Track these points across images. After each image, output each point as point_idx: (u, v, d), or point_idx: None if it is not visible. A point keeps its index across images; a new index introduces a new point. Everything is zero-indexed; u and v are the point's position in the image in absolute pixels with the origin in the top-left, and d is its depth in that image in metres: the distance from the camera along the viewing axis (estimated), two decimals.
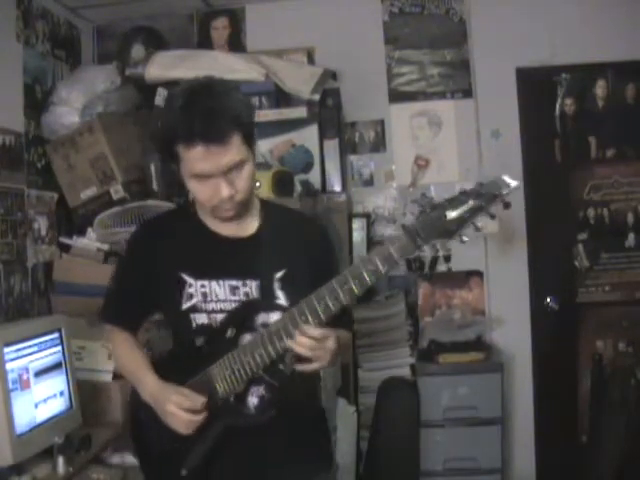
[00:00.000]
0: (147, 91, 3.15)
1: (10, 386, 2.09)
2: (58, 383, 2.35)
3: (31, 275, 2.93)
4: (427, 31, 3.56)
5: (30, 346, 2.23)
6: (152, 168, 3.08)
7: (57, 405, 2.32)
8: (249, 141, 1.58)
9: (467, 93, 3.54)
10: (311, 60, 3.51)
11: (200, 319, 1.67)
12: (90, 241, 3.04)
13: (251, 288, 1.66)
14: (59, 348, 2.38)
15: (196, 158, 1.53)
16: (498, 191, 1.38)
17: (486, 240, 3.42)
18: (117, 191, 3.02)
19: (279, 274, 1.66)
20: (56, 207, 3.11)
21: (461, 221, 1.40)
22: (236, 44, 3.61)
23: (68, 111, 3.03)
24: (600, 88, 3.47)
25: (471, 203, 1.39)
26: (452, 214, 1.40)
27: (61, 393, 2.36)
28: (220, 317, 1.66)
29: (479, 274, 3.48)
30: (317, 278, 1.56)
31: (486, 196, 1.39)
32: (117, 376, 2.74)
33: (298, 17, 3.55)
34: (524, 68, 3.47)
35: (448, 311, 3.49)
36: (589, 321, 3.49)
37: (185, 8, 3.62)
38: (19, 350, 2.17)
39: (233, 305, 1.65)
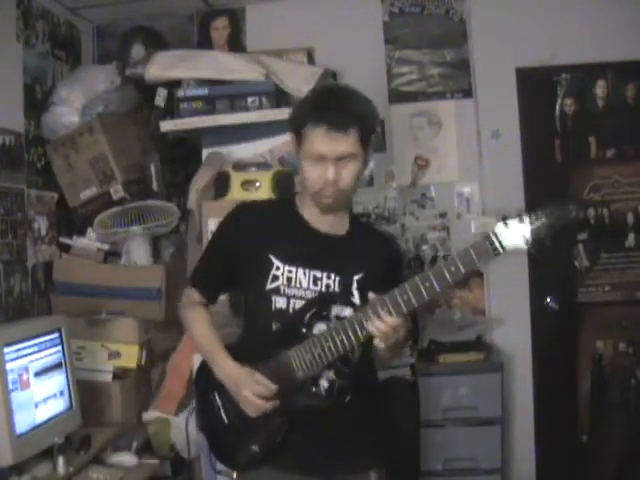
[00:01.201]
0: (147, 91, 3.15)
1: (10, 386, 2.09)
2: (58, 383, 2.35)
3: (31, 275, 2.93)
4: (427, 31, 3.56)
5: (30, 346, 2.23)
6: (152, 168, 3.08)
7: (57, 405, 2.33)
8: (365, 141, 1.74)
9: (467, 93, 3.54)
10: (311, 60, 3.51)
11: (279, 303, 1.78)
12: (90, 241, 3.05)
13: (334, 282, 1.78)
14: (59, 348, 2.38)
15: (317, 138, 1.71)
16: (567, 214, 1.55)
17: None
18: (117, 191, 3.02)
19: (358, 276, 1.79)
20: (56, 207, 3.11)
21: (534, 234, 1.55)
22: (236, 44, 3.62)
23: (68, 111, 3.03)
24: (600, 88, 3.47)
25: (544, 220, 1.55)
26: (527, 227, 1.55)
27: (61, 393, 2.36)
28: (298, 304, 1.77)
29: (479, 274, 3.48)
30: (387, 288, 1.69)
31: (556, 215, 1.56)
32: (117, 376, 2.75)
33: (298, 17, 3.55)
34: (524, 68, 3.47)
35: (448, 311, 3.49)
36: (589, 321, 3.49)
37: (185, 8, 3.63)
38: (19, 350, 2.17)
39: (313, 295, 1.77)
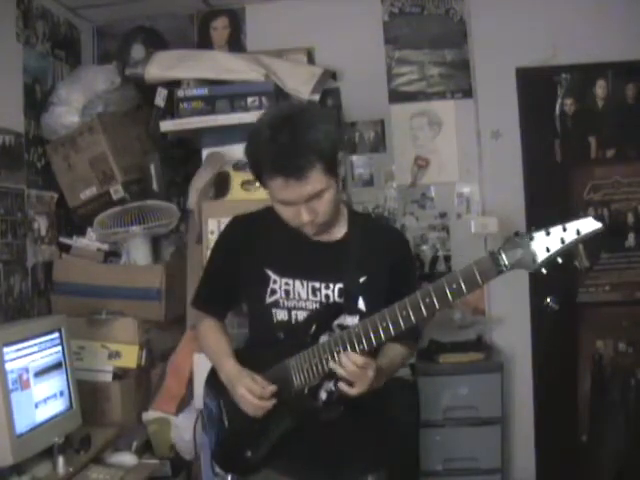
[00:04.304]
0: (147, 91, 3.15)
1: (10, 386, 2.10)
2: (58, 383, 2.35)
3: (31, 275, 2.93)
4: (427, 31, 3.56)
5: (30, 346, 2.23)
6: (152, 168, 3.08)
7: (57, 405, 2.33)
8: (331, 170, 1.64)
9: (467, 93, 3.54)
10: (311, 60, 3.51)
11: (280, 315, 1.76)
12: (90, 241, 3.05)
13: (333, 291, 1.74)
14: (59, 348, 2.38)
15: (278, 188, 1.63)
16: (583, 230, 1.45)
17: (486, 240, 3.41)
18: (117, 191, 3.02)
19: (361, 280, 1.74)
20: (56, 207, 3.11)
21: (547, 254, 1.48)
22: (236, 44, 3.62)
23: (68, 111, 3.03)
24: (600, 88, 3.47)
25: (556, 238, 1.46)
26: (535, 245, 1.47)
27: (61, 393, 2.36)
28: (300, 315, 1.75)
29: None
30: (393, 288, 1.68)
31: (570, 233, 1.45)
32: (117, 376, 2.75)
33: (298, 17, 3.55)
34: (524, 68, 3.47)
35: (448, 311, 3.49)
36: (589, 321, 3.49)
37: (185, 8, 3.63)
38: (19, 350, 2.17)
39: (313, 305, 1.74)
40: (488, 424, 3.20)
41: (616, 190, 3.46)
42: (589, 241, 1.45)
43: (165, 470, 2.71)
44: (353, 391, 1.62)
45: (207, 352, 1.92)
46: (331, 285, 1.74)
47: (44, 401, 2.25)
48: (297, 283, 1.75)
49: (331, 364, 1.62)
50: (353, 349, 1.61)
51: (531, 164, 3.49)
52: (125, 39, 3.68)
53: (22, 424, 2.12)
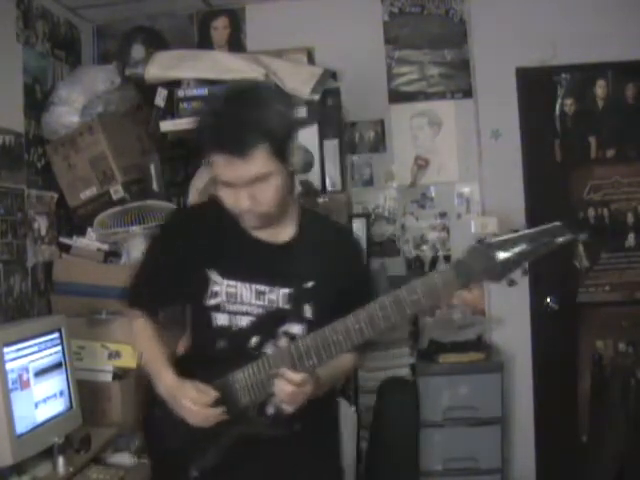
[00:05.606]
0: (147, 91, 3.15)
1: (10, 386, 2.09)
2: (58, 383, 2.35)
3: (31, 275, 2.93)
4: (427, 31, 3.56)
5: (30, 346, 2.23)
6: (152, 168, 3.08)
7: (57, 405, 2.33)
8: (280, 154, 1.53)
9: (467, 93, 3.55)
10: (311, 60, 3.51)
11: (221, 319, 1.65)
12: (90, 241, 3.04)
13: (277, 295, 1.64)
14: (59, 348, 2.38)
15: (219, 166, 1.53)
16: (552, 238, 1.37)
17: None
18: (117, 191, 3.02)
19: (308, 285, 1.64)
20: (56, 207, 3.11)
21: (510, 264, 1.40)
22: (236, 44, 3.62)
23: (68, 111, 3.03)
24: (600, 88, 3.48)
25: (523, 246, 1.38)
26: (502, 255, 1.39)
27: (61, 393, 2.36)
28: (241, 320, 1.64)
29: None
30: (345, 293, 1.58)
31: (539, 242, 1.38)
32: (117, 376, 2.74)
33: (298, 17, 3.55)
34: (524, 68, 3.47)
35: (448, 311, 3.49)
36: (589, 321, 3.49)
37: (185, 8, 3.63)
38: (19, 350, 2.17)
39: (257, 310, 1.64)
40: (488, 424, 3.20)
41: (616, 190, 3.47)
42: (563, 248, 1.37)
43: None
44: (289, 409, 1.56)
45: (143, 360, 1.79)
46: (276, 289, 1.63)
47: (44, 401, 2.25)
48: (241, 286, 1.64)
49: (275, 388, 1.54)
50: (302, 365, 1.52)
51: (531, 164, 3.49)
52: (125, 39, 3.68)
53: (22, 424, 2.12)
